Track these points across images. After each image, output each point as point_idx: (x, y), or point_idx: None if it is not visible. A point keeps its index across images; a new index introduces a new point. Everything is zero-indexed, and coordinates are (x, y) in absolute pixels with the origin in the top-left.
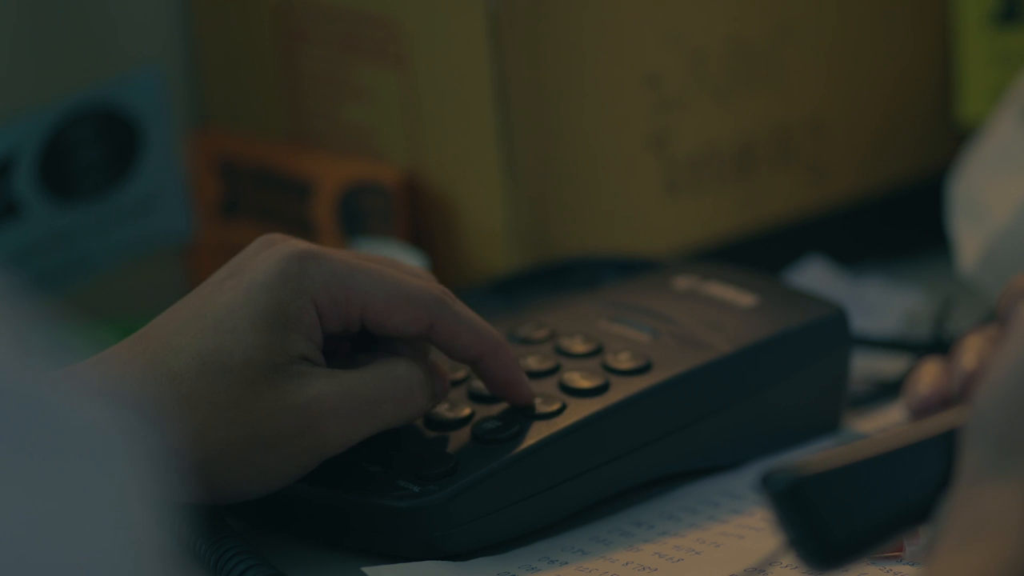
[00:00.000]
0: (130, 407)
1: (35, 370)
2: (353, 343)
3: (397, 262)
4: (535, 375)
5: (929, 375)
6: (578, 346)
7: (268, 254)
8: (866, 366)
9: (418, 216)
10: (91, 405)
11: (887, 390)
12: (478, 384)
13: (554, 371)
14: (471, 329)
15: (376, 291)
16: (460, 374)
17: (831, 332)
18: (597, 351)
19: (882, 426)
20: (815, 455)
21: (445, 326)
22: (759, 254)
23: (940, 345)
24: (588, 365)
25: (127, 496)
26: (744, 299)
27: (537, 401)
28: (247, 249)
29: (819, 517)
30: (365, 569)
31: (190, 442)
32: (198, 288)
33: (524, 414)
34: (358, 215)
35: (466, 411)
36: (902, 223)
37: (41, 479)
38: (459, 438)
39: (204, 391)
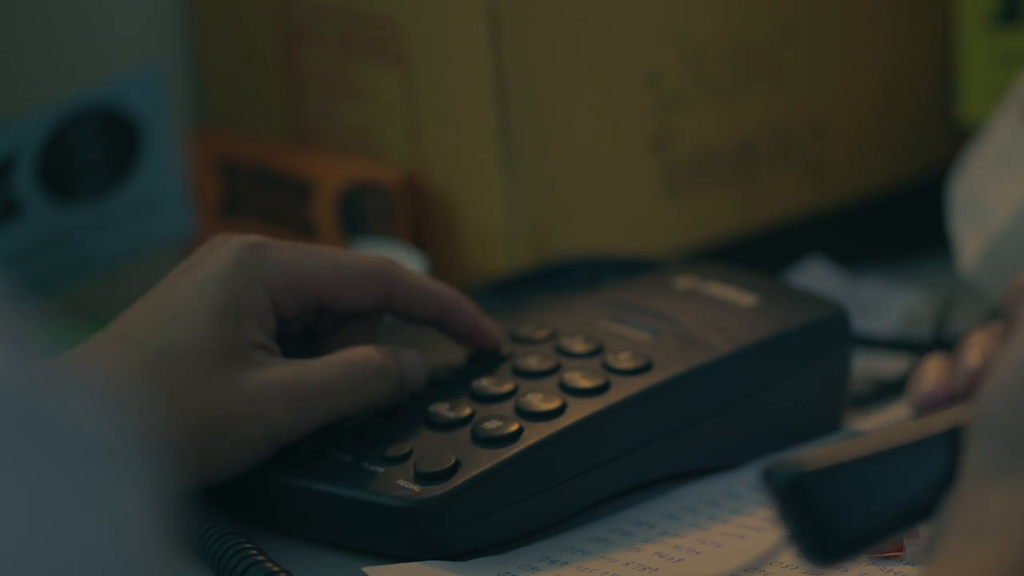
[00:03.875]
0: (116, 402)
1: (29, 372)
2: (318, 337)
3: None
4: (535, 375)
5: (933, 372)
6: (579, 346)
7: (221, 248)
8: (867, 366)
9: (418, 216)
10: (85, 404)
11: (888, 390)
12: (478, 384)
13: (554, 371)
14: (425, 291)
15: (329, 270)
16: (460, 374)
17: (831, 332)
18: (597, 351)
19: (885, 423)
20: (818, 450)
21: (400, 293)
22: (759, 254)
23: (941, 345)
24: (589, 365)
25: (126, 496)
26: (744, 299)
27: (537, 400)
28: (201, 247)
29: (820, 512)
30: (365, 569)
31: (153, 431)
32: (157, 285)
33: (524, 414)
34: (358, 215)
35: (466, 411)
36: (902, 223)
37: (38, 482)
38: (459, 438)
39: (163, 382)
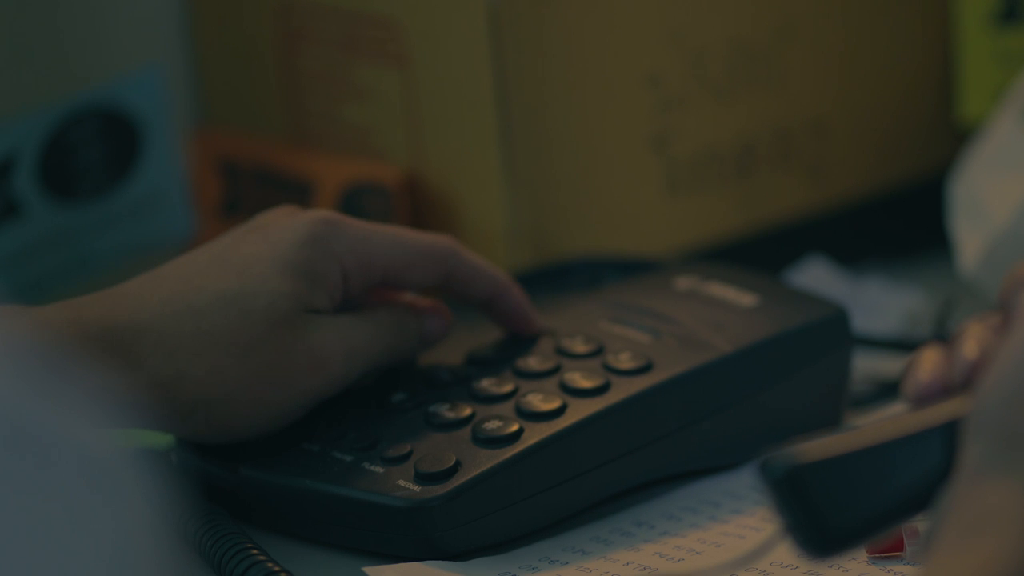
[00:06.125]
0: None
1: (24, 392)
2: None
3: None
4: (536, 375)
5: (930, 362)
6: (579, 346)
7: (296, 217)
8: (867, 366)
9: (418, 216)
10: (82, 422)
11: (888, 390)
12: (478, 384)
13: (555, 371)
14: (482, 274)
15: (396, 251)
16: (460, 374)
17: (832, 332)
18: (598, 351)
19: (882, 416)
20: (814, 441)
21: (460, 274)
22: (759, 254)
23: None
24: (589, 365)
25: (127, 515)
26: (745, 299)
27: (538, 400)
28: (269, 213)
29: (817, 505)
30: (365, 569)
31: (206, 376)
32: (216, 240)
33: (524, 414)
34: (359, 215)
35: (466, 411)
36: (903, 223)
37: (39, 509)
38: (459, 438)
39: (225, 329)
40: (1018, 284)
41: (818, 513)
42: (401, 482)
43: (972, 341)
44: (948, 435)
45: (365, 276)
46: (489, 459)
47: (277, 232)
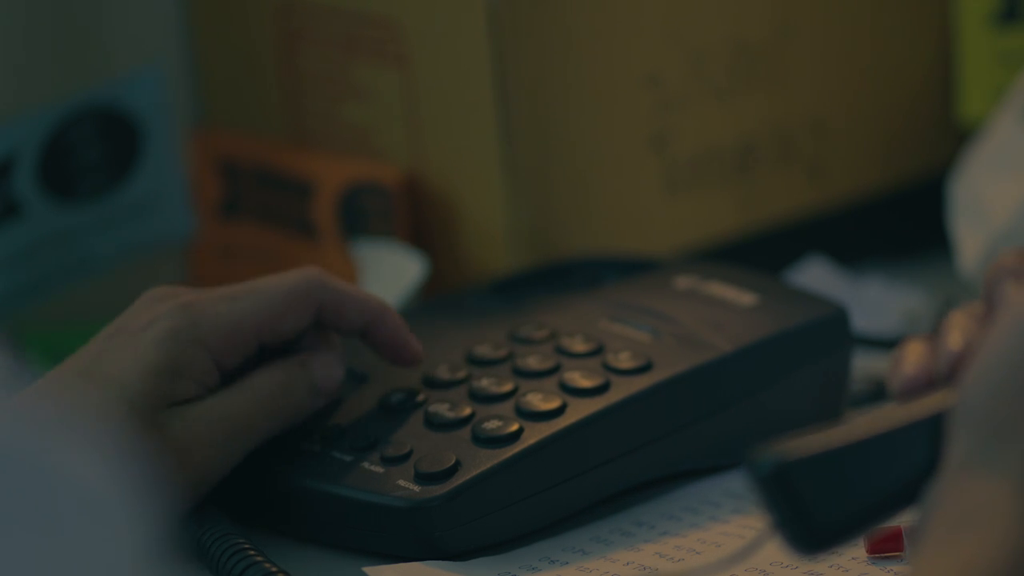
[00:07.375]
0: (100, 444)
1: (21, 424)
2: None
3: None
4: (536, 375)
5: (914, 354)
6: (579, 346)
7: (155, 311)
8: (867, 366)
9: (418, 216)
10: (74, 454)
11: (887, 390)
12: (478, 384)
13: (555, 371)
14: (353, 301)
15: (261, 310)
16: (460, 374)
17: (831, 332)
18: (598, 351)
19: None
20: (801, 438)
21: (330, 304)
22: (759, 254)
23: None
24: (589, 365)
25: (125, 546)
26: (745, 299)
27: (537, 400)
28: (132, 307)
29: (804, 501)
30: (365, 569)
31: None
32: (84, 347)
33: (524, 414)
34: (358, 215)
35: (466, 411)
36: (903, 223)
37: (38, 541)
38: (459, 438)
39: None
40: (1001, 274)
41: (805, 510)
42: (401, 482)
43: (956, 332)
44: (934, 428)
45: (238, 347)
46: (489, 459)
47: (137, 335)
